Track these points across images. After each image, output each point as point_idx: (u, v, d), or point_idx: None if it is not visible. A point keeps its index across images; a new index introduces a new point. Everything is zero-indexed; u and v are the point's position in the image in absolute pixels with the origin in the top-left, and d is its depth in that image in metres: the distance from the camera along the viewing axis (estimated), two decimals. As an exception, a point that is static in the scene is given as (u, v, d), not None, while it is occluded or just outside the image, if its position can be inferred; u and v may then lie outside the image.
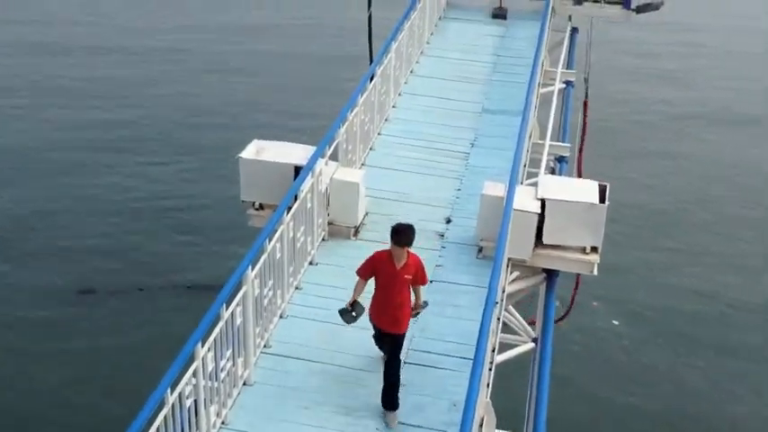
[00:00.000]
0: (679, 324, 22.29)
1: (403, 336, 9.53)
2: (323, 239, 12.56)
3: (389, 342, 9.49)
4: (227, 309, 8.92)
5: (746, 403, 19.89)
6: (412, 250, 9.39)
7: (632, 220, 25.57)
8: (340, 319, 9.63)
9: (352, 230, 12.76)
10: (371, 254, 9.54)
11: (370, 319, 9.65)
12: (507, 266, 11.92)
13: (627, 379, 20.44)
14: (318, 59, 36.98)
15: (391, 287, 9.33)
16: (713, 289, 23.65)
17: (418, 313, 9.82)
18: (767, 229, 26.73)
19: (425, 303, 9.77)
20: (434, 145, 15.84)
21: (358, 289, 9.53)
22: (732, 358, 21.23)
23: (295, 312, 11.07)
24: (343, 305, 9.60)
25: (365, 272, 9.48)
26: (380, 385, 9.40)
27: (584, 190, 12.45)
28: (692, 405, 19.78)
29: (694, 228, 26.66)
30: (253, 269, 9.56)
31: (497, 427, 9.80)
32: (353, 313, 9.55)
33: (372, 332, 9.86)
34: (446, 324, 10.89)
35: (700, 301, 23.24)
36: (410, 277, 9.32)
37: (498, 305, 10.67)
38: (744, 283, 23.95)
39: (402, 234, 9.20)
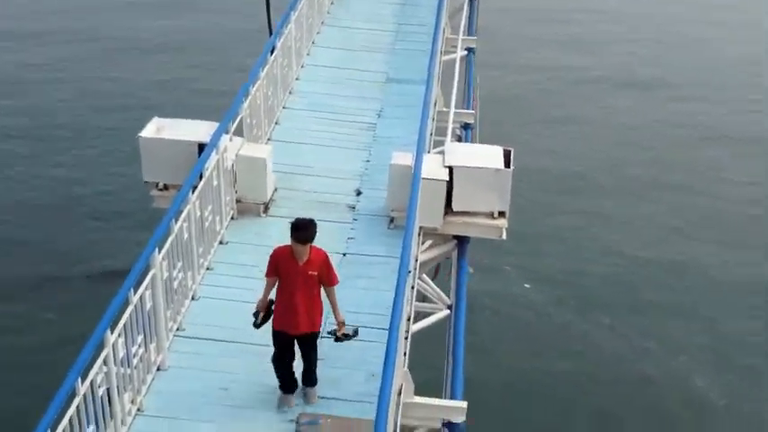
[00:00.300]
0: (589, 285, 22.69)
1: (317, 335, 9.16)
2: (232, 218, 12.39)
3: (302, 345, 9.07)
4: (135, 293, 8.72)
5: (657, 359, 20.38)
6: (320, 234, 8.96)
7: (539, 185, 25.86)
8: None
9: (262, 207, 12.61)
10: (272, 251, 9.08)
11: (275, 330, 9.08)
12: (419, 235, 11.95)
13: (540, 341, 20.75)
14: (216, 34, 36.28)
15: (295, 285, 8.84)
16: (621, 250, 24.11)
17: (347, 336, 9.16)
18: (671, 189, 27.31)
19: (356, 332, 9.20)
20: (341, 116, 15.77)
21: (267, 290, 9.09)
22: (641, 316, 21.71)
23: (207, 293, 10.91)
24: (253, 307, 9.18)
25: (270, 271, 9.01)
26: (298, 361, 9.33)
27: (490, 156, 12.58)
28: (604, 364, 20.18)
29: (600, 191, 27.11)
30: (160, 251, 9.38)
31: (415, 395, 9.81)
32: (257, 321, 9.11)
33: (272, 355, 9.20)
34: (361, 296, 10.87)
35: (608, 262, 23.68)
36: (315, 273, 8.82)
37: (411, 274, 10.68)
38: (649, 243, 24.49)
39: (302, 230, 8.73)
